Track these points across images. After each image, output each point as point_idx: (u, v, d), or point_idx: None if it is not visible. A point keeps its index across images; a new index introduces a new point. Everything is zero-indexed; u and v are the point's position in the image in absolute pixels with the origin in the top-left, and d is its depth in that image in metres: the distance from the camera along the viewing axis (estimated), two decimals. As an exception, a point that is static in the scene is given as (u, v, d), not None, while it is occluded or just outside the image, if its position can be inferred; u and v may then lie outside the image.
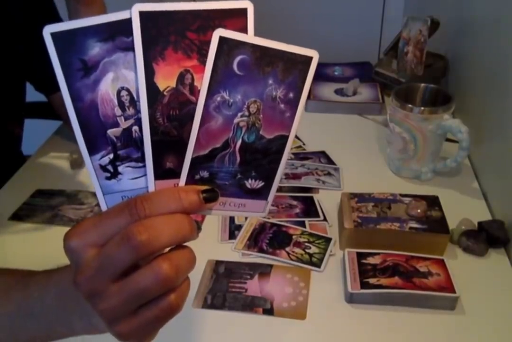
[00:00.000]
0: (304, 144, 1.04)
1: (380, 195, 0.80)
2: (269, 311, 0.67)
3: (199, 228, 0.37)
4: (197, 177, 0.38)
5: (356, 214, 0.76)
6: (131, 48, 0.34)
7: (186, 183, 0.38)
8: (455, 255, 0.76)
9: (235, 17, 0.34)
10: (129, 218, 0.34)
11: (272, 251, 0.76)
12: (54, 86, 0.36)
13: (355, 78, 1.21)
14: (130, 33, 0.33)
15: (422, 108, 0.85)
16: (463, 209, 0.84)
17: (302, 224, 0.81)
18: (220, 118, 0.36)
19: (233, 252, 0.76)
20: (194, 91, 0.35)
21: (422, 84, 0.95)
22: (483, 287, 0.70)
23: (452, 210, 0.77)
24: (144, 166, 0.37)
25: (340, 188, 0.91)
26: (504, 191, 0.82)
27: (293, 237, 0.78)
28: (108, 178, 0.38)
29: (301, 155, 1.00)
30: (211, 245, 0.78)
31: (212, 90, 0.35)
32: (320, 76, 1.26)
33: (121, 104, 0.36)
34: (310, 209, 0.85)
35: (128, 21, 0.33)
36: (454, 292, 0.65)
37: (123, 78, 0.35)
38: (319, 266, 0.73)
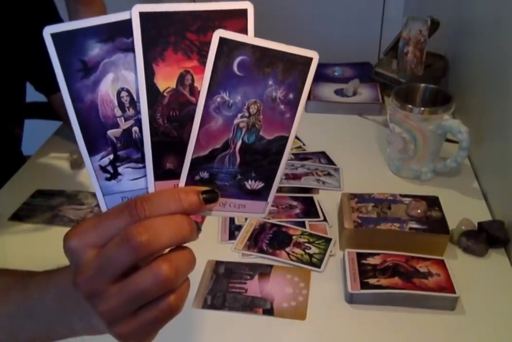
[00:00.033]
0: (304, 144, 1.04)
1: (380, 195, 0.80)
2: (269, 311, 0.67)
3: (199, 229, 0.37)
4: (197, 177, 0.38)
5: (356, 214, 0.76)
6: (131, 49, 0.34)
7: (186, 184, 0.38)
8: (455, 255, 0.76)
9: (235, 18, 0.34)
10: (129, 219, 0.34)
11: (272, 251, 0.76)
12: (54, 87, 0.36)
13: (355, 78, 1.20)
14: (130, 34, 0.33)
15: (422, 108, 0.85)
16: (463, 209, 0.84)
17: (302, 224, 0.81)
18: (220, 119, 0.36)
19: (233, 252, 0.76)
20: (194, 92, 0.35)
21: (422, 85, 0.94)
22: (483, 287, 0.70)
23: (452, 210, 0.77)
24: (144, 167, 0.37)
25: (340, 188, 0.91)
26: (504, 191, 0.82)
27: (293, 237, 0.78)
28: (108, 179, 0.38)
29: (301, 156, 1.00)
30: (211, 246, 0.78)
31: (212, 91, 0.35)
32: (320, 77, 1.26)
33: (121, 105, 0.36)
34: (310, 209, 0.85)
35: (128, 22, 0.33)
36: (454, 292, 0.66)
37: (123, 79, 0.35)
38: (319, 266, 0.73)
